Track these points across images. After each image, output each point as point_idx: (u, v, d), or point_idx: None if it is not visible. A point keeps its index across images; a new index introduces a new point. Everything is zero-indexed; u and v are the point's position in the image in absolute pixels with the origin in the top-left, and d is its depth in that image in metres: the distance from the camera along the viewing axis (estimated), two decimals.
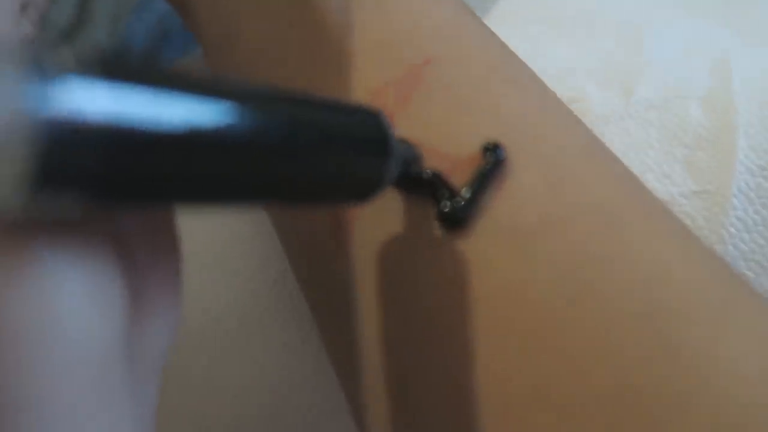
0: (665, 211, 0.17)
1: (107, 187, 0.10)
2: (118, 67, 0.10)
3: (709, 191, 0.22)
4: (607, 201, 0.16)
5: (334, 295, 0.18)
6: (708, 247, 0.17)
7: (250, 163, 0.12)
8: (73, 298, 0.10)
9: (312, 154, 0.13)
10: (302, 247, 0.20)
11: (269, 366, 0.24)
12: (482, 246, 0.16)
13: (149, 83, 0.10)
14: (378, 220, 0.17)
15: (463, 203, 0.16)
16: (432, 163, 0.17)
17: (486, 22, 0.30)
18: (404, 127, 0.17)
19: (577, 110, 0.25)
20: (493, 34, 0.21)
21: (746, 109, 0.23)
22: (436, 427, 0.15)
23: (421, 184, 0.17)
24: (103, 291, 0.10)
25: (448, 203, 0.16)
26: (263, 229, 0.25)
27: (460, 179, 0.17)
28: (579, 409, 0.14)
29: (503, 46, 0.20)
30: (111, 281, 0.11)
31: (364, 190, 0.14)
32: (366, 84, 0.19)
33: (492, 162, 0.16)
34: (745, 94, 0.24)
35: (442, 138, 0.17)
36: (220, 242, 0.26)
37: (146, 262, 0.12)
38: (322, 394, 0.24)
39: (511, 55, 0.20)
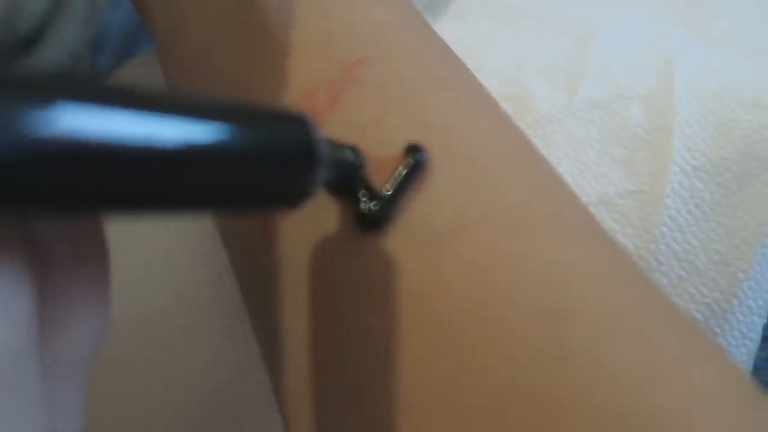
0: (580, 215, 0.17)
1: (14, 194, 0.10)
2: (16, 77, 0.10)
3: (644, 191, 0.23)
4: (519, 204, 0.16)
5: (262, 292, 0.19)
6: (621, 252, 0.17)
7: (173, 174, 0.12)
8: None
9: (236, 166, 0.13)
10: (236, 245, 0.20)
11: (213, 357, 0.25)
12: (397, 247, 0.16)
13: (63, 91, 0.10)
14: (303, 220, 0.18)
15: (380, 205, 0.16)
16: None
17: (441, 19, 0.30)
18: (332, 127, 0.18)
19: (522, 109, 0.25)
20: (432, 34, 0.21)
21: (685, 110, 0.23)
22: (346, 425, 0.16)
23: (345, 185, 0.17)
24: (5, 299, 0.10)
25: (365, 204, 0.16)
26: (208, 225, 0.25)
27: (382, 181, 0.17)
28: (477, 409, 0.14)
29: (441, 46, 0.20)
30: (14, 287, 0.10)
31: (291, 197, 0.14)
32: (301, 83, 0.19)
33: (412, 164, 0.17)
34: (686, 94, 0.24)
35: (367, 139, 0.17)
36: (165, 238, 0.26)
37: (65, 266, 0.12)
38: (263, 383, 0.24)
39: (447, 56, 0.20)
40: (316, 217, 0.17)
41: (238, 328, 0.25)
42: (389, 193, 0.16)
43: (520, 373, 0.14)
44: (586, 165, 0.23)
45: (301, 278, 0.17)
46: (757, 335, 0.24)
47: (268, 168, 0.13)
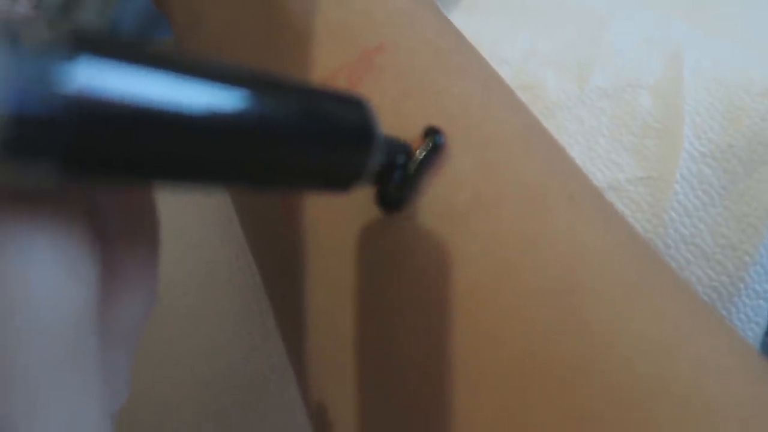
0: (593, 195, 0.18)
1: (79, 160, 0.10)
2: (94, 43, 0.10)
3: (654, 177, 0.23)
4: (534, 183, 0.17)
5: (282, 271, 0.19)
6: (632, 231, 0.17)
7: (232, 146, 0.12)
8: (42, 268, 0.10)
9: (297, 143, 0.13)
10: (255, 226, 0.21)
11: (227, 337, 0.25)
12: (417, 226, 0.16)
13: (127, 60, 0.10)
14: (324, 200, 0.18)
15: (402, 185, 0.17)
16: None
17: (454, 12, 0.31)
18: None
19: (533, 97, 0.26)
20: (447, 22, 0.21)
21: (693, 98, 0.24)
22: (367, 392, 0.16)
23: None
24: (74, 263, 0.11)
25: (387, 185, 0.17)
26: (224, 206, 0.26)
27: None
28: (491, 378, 0.15)
29: (456, 34, 0.21)
30: (83, 254, 0.11)
31: (346, 179, 0.15)
32: (320, 68, 0.19)
33: (431, 146, 0.17)
34: (694, 84, 0.24)
35: (386, 123, 0.18)
36: (181, 218, 0.27)
37: (123, 238, 0.13)
38: (277, 363, 0.25)
39: (461, 43, 0.21)
40: (336, 200, 0.18)
41: (253, 308, 0.25)
42: (409, 174, 0.17)
43: (537, 340, 0.14)
44: (597, 152, 0.24)
45: (322, 257, 0.18)
46: (763, 320, 0.24)
47: (328, 147, 0.14)
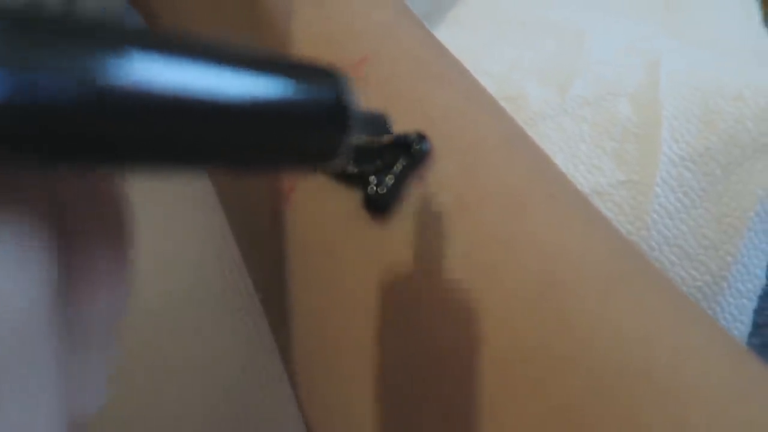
0: (573, 196, 0.18)
1: (31, 144, 0.09)
2: (35, 20, 0.09)
3: (635, 181, 0.24)
4: (515, 186, 0.17)
5: (270, 270, 0.20)
6: (613, 229, 0.18)
7: (206, 126, 0.11)
8: None
9: (268, 120, 0.12)
10: (246, 235, 0.21)
11: (222, 350, 0.26)
12: (402, 228, 0.17)
13: (68, 36, 0.09)
14: (310, 206, 0.19)
15: (386, 190, 0.17)
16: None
17: (437, 27, 0.32)
18: None
19: (516, 108, 0.26)
20: (428, 33, 0.22)
21: (671, 104, 0.25)
22: (356, 391, 0.17)
23: (353, 173, 0.18)
24: (25, 260, 0.10)
25: (373, 189, 0.17)
26: (219, 219, 0.26)
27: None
28: (476, 373, 0.15)
29: (437, 44, 0.22)
30: (36, 250, 0.10)
31: (323, 155, 0.14)
32: None
33: (416, 151, 0.18)
34: (670, 90, 0.25)
35: None
36: (176, 231, 0.27)
37: (87, 235, 0.12)
38: (273, 376, 0.25)
39: (443, 53, 0.21)
40: (323, 204, 0.18)
41: (248, 322, 0.25)
42: (394, 179, 0.17)
43: (520, 336, 0.15)
44: (579, 158, 0.24)
45: (310, 259, 0.18)
46: (747, 318, 0.25)
47: (303, 124, 0.13)
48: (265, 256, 0.20)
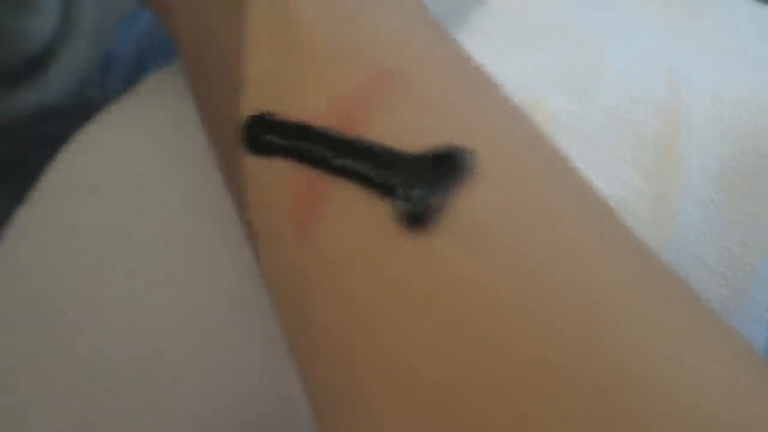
0: (609, 212, 0.18)
1: None
2: None
3: (656, 192, 0.24)
4: (557, 203, 0.17)
5: (296, 293, 0.19)
6: (647, 247, 0.18)
7: None
8: None
9: None
10: (267, 245, 0.21)
11: (240, 364, 0.25)
12: (438, 246, 0.16)
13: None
14: (342, 218, 0.18)
15: (425, 203, 0.17)
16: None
17: (455, 32, 0.31)
18: (371, 130, 0.18)
19: (536, 115, 0.26)
20: (459, 44, 0.22)
21: (693, 114, 0.25)
22: (385, 412, 0.16)
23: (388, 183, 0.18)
24: None
25: (411, 202, 0.17)
26: (236, 230, 0.26)
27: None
28: (524, 399, 0.15)
29: (468, 57, 0.21)
30: None
31: None
32: (335, 89, 0.20)
33: (457, 166, 0.17)
34: (692, 100, 0.25)
35: (407, 144, 0.18)
36: (193, 243, 0.27)
37: None
38: (290, 389, 0.25)
39: (475, 66, 0.21)
40: (358, 214, 0.18)
41: (265, 335, 0.25)
42: (432, 192, 0.17)
43: (565, 355, 0.15)
44: (600, 168, 0.24)
45: (339, 276, 0.18)
46: (766, 330, 0.25)
47: None
48: (287, 271, 0.20)
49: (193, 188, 0.29)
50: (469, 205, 0.17)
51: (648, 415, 0.14)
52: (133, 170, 0.30)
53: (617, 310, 0.15)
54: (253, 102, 0.21)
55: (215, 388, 0.26)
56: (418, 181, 0.17)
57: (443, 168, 0.17)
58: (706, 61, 0.27)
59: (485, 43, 0.29)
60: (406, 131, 0.18)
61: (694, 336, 0.16)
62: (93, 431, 0.26)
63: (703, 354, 0.15)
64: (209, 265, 0.27)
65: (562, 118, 0.26)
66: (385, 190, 0.17)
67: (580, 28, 0.29)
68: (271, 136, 0.20)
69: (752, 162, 0.24)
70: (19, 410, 0.26)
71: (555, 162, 0.19)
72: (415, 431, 0.16)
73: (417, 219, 0.17)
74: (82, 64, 0.51)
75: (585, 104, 0.26)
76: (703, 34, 0.30)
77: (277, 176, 0.20)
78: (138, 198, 0.30)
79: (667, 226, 0.23)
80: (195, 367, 0.26)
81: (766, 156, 0.24)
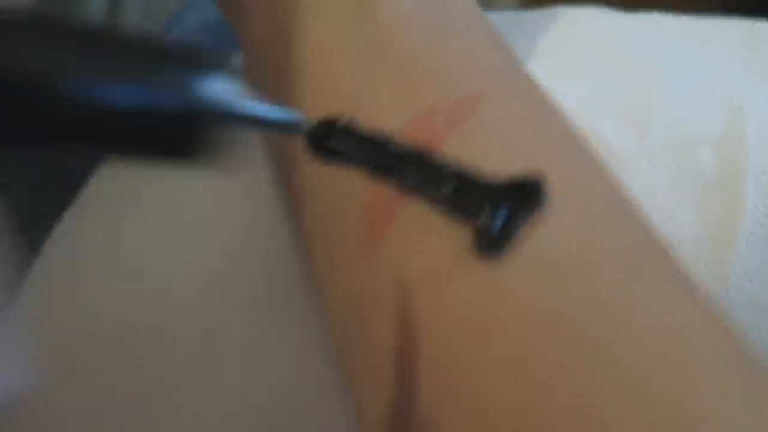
0: (677, 265, 0.18)
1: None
2: None
3: (715, 237, 0.23)
4: (630, 249, 0.17)
5: (355, 305, 0.19)
6: (712, 303, 0.17)
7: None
8: None
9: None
10: (328, 255, 0.21)
11: (274, 372, 0.25)
12: (512, 276, 0.16)
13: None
14: (413, 235, 0.18)
15: (500, 230, 0.16)
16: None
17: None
18: (450, 152, 0.18)
19: (592, 144, 0.26)
20: (533, 78, 0.21)
21: (758, 156, 0.24)
22: None
23: (467, 205, 0.17)
24: None
25: (486, 228, 0.17)
26: (272, 238, 0.26)
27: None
28: None
29: (543, 89, 0.21)
30: None
31: (173, 147, 0.15)
32: (418, 105, 0.19)
33: (534, 196, 0.17)
34: (758, 140, 0.24)
35: (486, 169, 0.18)
36: (237, 248, 0.27)
37: None
38: (326, 401, 0.25)
39: (549, 99, 0.21)
40: (428, 234, 0.17)
41: (300, 343, 0.25)
42: (511, 221, 0.17)
43: (640, 415, 0.14)
44: (656, 207, 0.23)
45: (405, 293, 0.17)
46: None
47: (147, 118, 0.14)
48: (350, 288, 0.19)
49: (236, 197, 0.29)
50: (546, 235, 0.16)
51: None
52: (175, 179, 0.31)
53: (693, 375, 0.15)
54: (329, 106, 0.20)
55: (247, 398, 0.25)
56: (501, 206, 0.16)
57: (523, 195, 0.17)
58: None
59: (538, 69, 0.29)
60: (484, 157, 0.18)
61: (757, 392, 0.15)
62: None
63: None
64: (246, 274, 0.27)
65: (617, 152, 0.25)
66: (466, 213, 0.17)
67: (638, 57, 0.28)
68: (342, 142, 0.19)
69: None
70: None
71: (628, 206, 0.18)
72: None
73: (496, 244, 0.16)
74: None
75: (642, 138, 0.25)
76: (766, 66, 0.29)
77: (345, 186, 0.19)
78: (177, 206, 0.30)
79: (726, 273, 0.22)
80: (227, 378, 0.26)
81: None
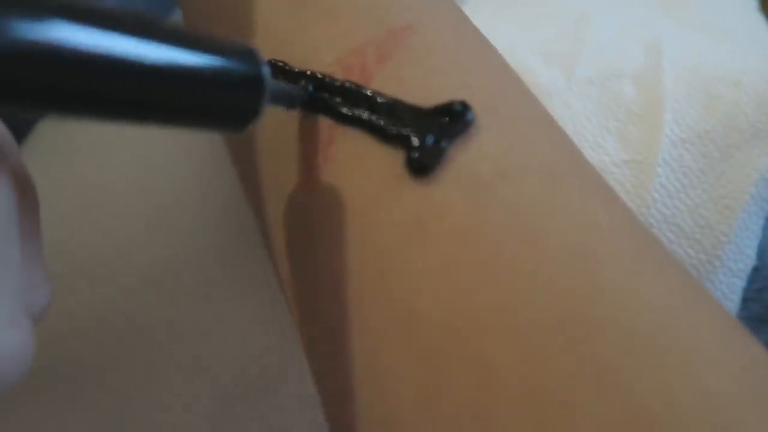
0: (595, 172, 0.19)
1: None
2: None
3: (637, 161, 0.24)
4: (552, 160, 0.18)
5: (303, 239, 0.20)
6: (628, 207, 0.19)
7: (140, 87, 0.14)
8: None
9: (196, 86, 0.15)
10: (274, 199, 0.21)
11: (225, 314, 0.26)
12: (442, 191, 0.17)
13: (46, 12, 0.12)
14: (348, 165, 0.19)
15: (429, 152, 0.18)
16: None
17: None
18: (381, 84, 0.19)
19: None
20: (462, 11, 0.22)
21: (674, 87, 0.25)
22: (388, 350, 0.17)
23: (395, 133, 0.18)
24: None
25: (416, 151, 0.18)
26: (233, 184, 0.26)
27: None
28: (516, 332, 0.15)
29: (471, 21, 0.22)
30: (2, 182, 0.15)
31: (240, 121, 0.17)
32: (348, 41, 0.20)
33: (460, 119, 0.18)
34: (674, 73, 0.26)
35: (415, 97, 0.19)
36: (192, 197, 0.27)
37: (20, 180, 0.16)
38: (279, 338, 0.26)
39: (477, 30, 0.22)
40: (364, 161, 0.18)
41: (250, 283, 0.26)
42: (439, 143, 0.18)
43: (558, 300, 0.15)
44: (584, 136, 0.25)
45: (343, 220, 0.18)
46: (737, 296, 0.26)
47: (225, 92, 0.16)
48: (295, 213, 0.20)
49: (180, 143, 0.29)
50: (474, 152, 0.17)
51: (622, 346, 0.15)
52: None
53: (608, 264, 0.16)
54: (263, 49, 0.21)
55: (208, 344, 0.26)
56: (430, 129, 0.18)
57: (451, 118, 0.18)
58: (687, 36, 0.28)
59: (475, 15, 0.30)
60: (413, 85, 0.19)
61: (676, 287, 0.17)
62: None
63: (683, 301, 0.16)
64: (194, 219, 0.27)
65: (547, 89, 0.26)
66: (398, 138, 0.18)
67: (561, 4, 0.30)
68: (278, 81, 0.20)
69: (729, 135, 0.24)
70: None
71: (550, 123, 0.20)
72: (416, 367, 0.16)
73: (427, 164, 0.17)
74: None
75: (569, 76, 0.27)
76: (681, 8, 0.30)
77: (284, 124, 0.20)
78: (122, 153, 0.30)
79: (647, 194, 0.24)
80: (187, 325, 0.26)
81: (741, 130, 0.25)
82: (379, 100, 0.19)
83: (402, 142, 0.18)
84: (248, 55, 0.17)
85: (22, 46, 0.12)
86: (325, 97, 0.19)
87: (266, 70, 0.17)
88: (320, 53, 0.20)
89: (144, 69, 0.14)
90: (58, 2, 0.13)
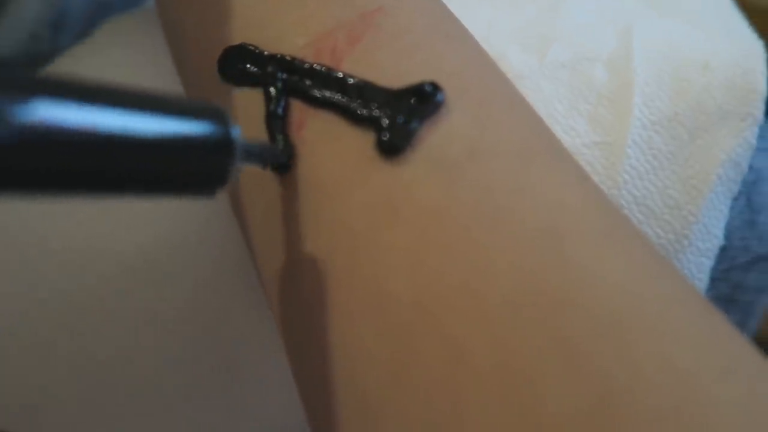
0: (566, 154, 0.19)
1: None
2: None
3: (608, 142, 0.25)
4: (522, 141, 0.18)
5: (270, 210, 0.20)
6: (598, 186, 0.19)
7: (110, 157, 0.14)
8: None
9: (161, 153, 0.15)
10: (245, 179, 0.21)
11: (195, 297, 0.26)
12: (412, 172, 0.17)
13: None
14: (319, 148, 0.19)
15: (399, 133, 0.18)
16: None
17: None
18: (351, 67, 0.19)
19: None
20: None
21: (643, 70, 0.26)
22: (357, 326, 0.17)
23: (365, 114, 0.18)
24: None
25: (386, 132, 0.18)
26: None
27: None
28: (485, 310, 0.16)
29: (444, 4, 0.22)
30: None
31: (209, 186, 0.16)
32: (319, 25, 0.20)
33: (430, 100, 0.18)
34: (644, 57, 0.26)
35: (386, 80, 0.19)
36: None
37: None
38: (252, 324, 0.26)
39: (451, 14, 0.22)
40: (335, 143, 0.18)
41: (227, 269, 0.26)
42: (409, 123, 0.18)
43: (526, 277, 0.16)
44: (555, 118, 0.25)
45: (315, 202, 0.19)
46: (705, 275, 0.26)
47: (191, 159, 0.16)
48: (266, 194, 0.20)
49: None
50: (444, 132, 0.18)
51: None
52: None
53: (577, 243, 0.16)
54: (234, 34, 0.21)
55: (175, 323, 0.26)
56: (400, 110, 0.18)
57: (420, 99, 0.18)
58: (658, 20, 0.28)
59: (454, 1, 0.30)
60: (384, 67, 0.19)
61: (643, 264, 0.17)
62: None
63: (651, 278, 0.16)
64: (168, 207, 0.27)
65: (521, 71, 0.27)
66: (369, 120, 0.18)
67: None
68: (247, 65, 0.20)
69: (696, 117, 0.25)
70: None
71: (523, 105, 0.20)
72: (388, 346, 0.17)
73: (397, 145, 0.18)
74: (34, 17, 0.49)
75: (543, 60, 0.27)
76: None
77: (256, 107, 0.20)
78: None
79: (617, 175, 0.25)
80: (156, 303, 0.26)
81: (709, 113, 0.25)
82: (349, 81, 0.19)
83: (372, 123, 0.18)
84: (217, 116, 0.16)
85: None
86: (295, 80, 0.20)
87: (236, 132, 0.16)
88: (292, 36, 0.20)
89: (98, 139, 0.13)
90: None
